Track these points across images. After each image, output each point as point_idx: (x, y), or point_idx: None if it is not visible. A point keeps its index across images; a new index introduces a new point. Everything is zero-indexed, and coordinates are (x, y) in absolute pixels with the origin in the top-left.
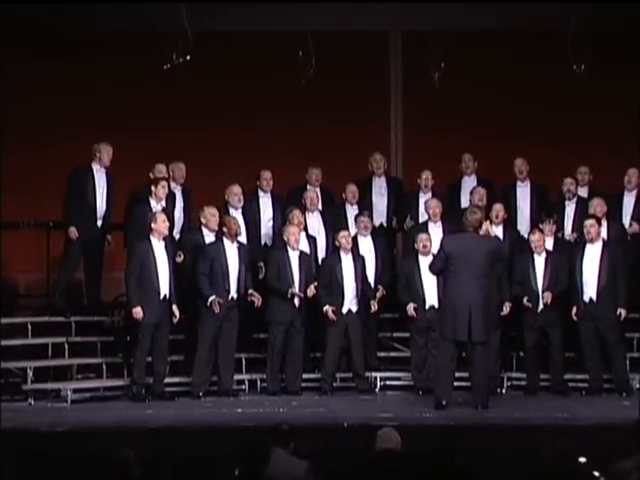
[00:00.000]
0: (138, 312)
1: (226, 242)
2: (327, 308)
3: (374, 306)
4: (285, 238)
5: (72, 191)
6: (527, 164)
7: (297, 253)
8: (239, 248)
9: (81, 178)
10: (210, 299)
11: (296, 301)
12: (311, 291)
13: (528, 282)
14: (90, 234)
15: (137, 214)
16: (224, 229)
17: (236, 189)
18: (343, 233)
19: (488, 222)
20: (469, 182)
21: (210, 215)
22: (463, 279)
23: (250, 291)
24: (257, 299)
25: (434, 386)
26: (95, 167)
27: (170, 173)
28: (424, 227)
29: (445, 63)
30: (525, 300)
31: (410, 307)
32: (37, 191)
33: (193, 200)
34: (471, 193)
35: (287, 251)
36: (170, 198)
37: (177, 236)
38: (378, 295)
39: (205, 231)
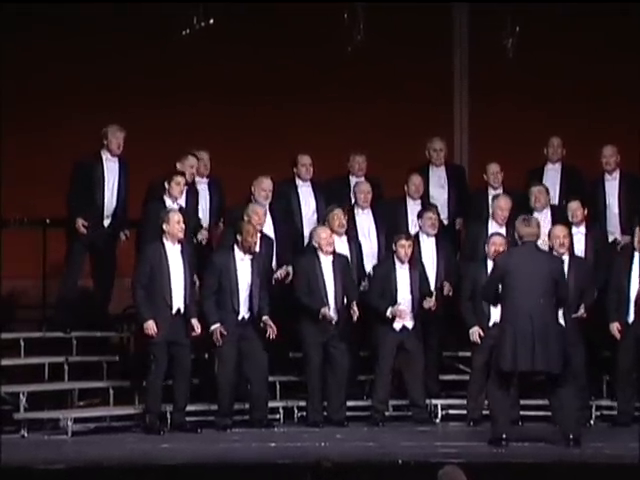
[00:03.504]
0: (150, 326)
1: (237, 253)
2: (391, 309)
3: (427, 302)
4: (315, 243)
5: (77, 185)
6: (617, 153)
7: (330, 258)
8: (252, 260)
9: (88, 170)
10: (212, 328)
11: (333, 315)
12: (355, 313)
13: (621, 287)
14: (95, 234)
15: (150, 214)
16: (238, 237)
17: (265, 184)
18: (403, 242)
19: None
20: (553, 171)
21: (254, 214)
22: (524, 299)
23: (264, 318)
24: (272, 330)
25: (490, 419)
26: (104, 156)
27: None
28: (484, 227)
29: (520, 27)
30: (615, 327)
31: (474, 332)
32: (31, 183)
33: (224, 194)
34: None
35: (318, 257)
36: (192, 193)
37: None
38: (445, 290)
39: None
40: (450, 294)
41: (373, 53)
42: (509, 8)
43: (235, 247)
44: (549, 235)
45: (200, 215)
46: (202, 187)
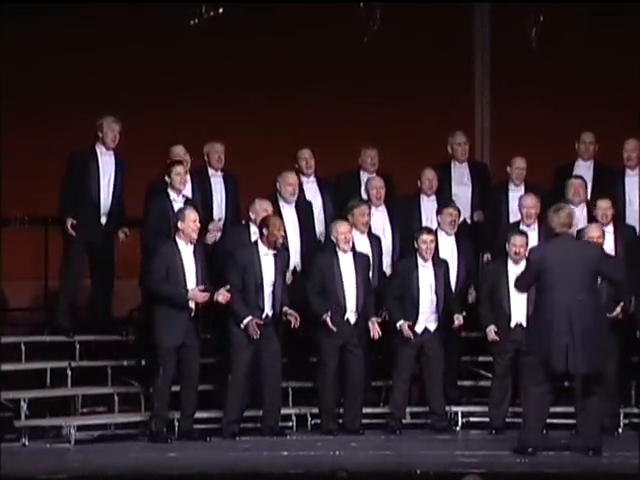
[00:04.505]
0: (197, 292)
1: (261, 248)
2: (402, 323)
3: (458, 320)
4: (334, 238)
5: (70, 181)
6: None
7: (350, 256)
8: (276, 256)
9: (81, 165)
10: (246, 321)
11: (351, 317)
12: (374, 329)
13: None
14: (92, 233)
15: (154, 209)
16: (264, 231)
17: (291, 178)
18: (426, 237)
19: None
20: (584, 168)
21: (262, 210)
22: (561, 296)
23: (285, 308)
24: (294, 318)
25: (521, 425)
26: (99, 150)
27: (205, 157)
28: (515, 228)
29: (544, 16)
30: None
31: (490, 330)
32: (33, 180)
33: (239, 190)
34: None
35: (337, 254)
36: (207, 188)
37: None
38: (470, 298)
39: (253, 228)
40: (473, 301)
41: (389, 43)
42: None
43: (259, 242)
44: (581, 233)
45: (215, 210)
46: (216, 180)
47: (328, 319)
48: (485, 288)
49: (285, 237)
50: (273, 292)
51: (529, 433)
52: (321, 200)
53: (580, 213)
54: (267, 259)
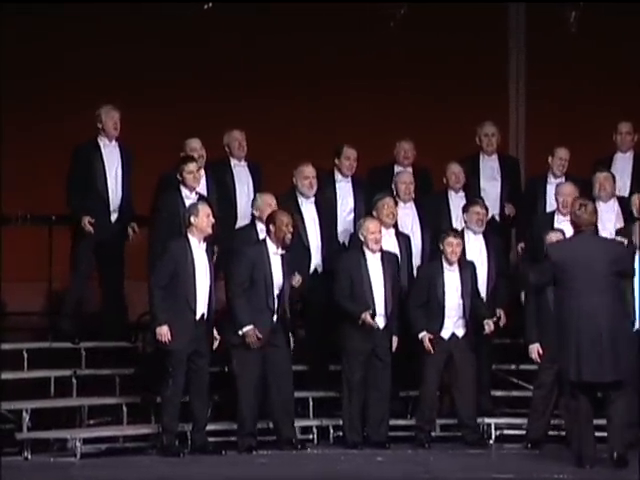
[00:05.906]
0: (164, 332)
1: (270, 246)
2: (424, 335)
3: (488, 326)
4: (362, 236)
5: (76, 176)
6: None
7: (378, 256)
8: (283, 256)
9: (86, 157)
10: (245, 329)
11: (380, 321)
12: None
13: None
14: (102, 232)
15: (164, 205)
16: (271, 227)
17: (308, 171)
18: (451, 239)
19: None
20: (623, 161)
21: (266, 205)
22: (583, 297)
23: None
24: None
25: (572, 438)
26: (102, 142)
27: (226, 149)
28: (550, 220)
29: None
30: None
31: (534, 349)
32: (36, 177)
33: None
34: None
35: (364, 254)
36: (228, 182)
37: None
38: (502, 320)
39: (260, 226)
40: (502, 320)
41: (417, 30)
42: None
43: (267, 240)
44: (619, 231)
45: (242, 200)
46: (240, 170)
47: (368, 316)
48: (531, 296)
49: (306, 236)
50: (281, 294)
51: (582, 444)
52: (353, 203)
53: (610, 209)
54: (276, 259)
